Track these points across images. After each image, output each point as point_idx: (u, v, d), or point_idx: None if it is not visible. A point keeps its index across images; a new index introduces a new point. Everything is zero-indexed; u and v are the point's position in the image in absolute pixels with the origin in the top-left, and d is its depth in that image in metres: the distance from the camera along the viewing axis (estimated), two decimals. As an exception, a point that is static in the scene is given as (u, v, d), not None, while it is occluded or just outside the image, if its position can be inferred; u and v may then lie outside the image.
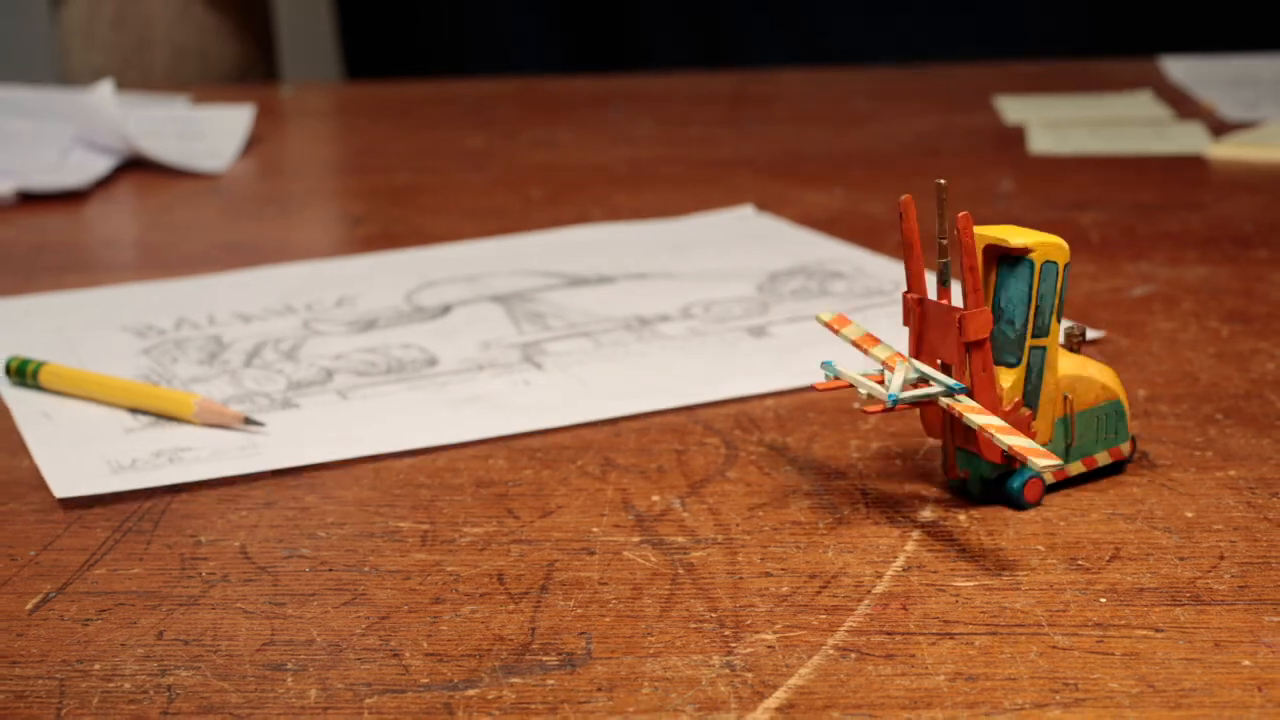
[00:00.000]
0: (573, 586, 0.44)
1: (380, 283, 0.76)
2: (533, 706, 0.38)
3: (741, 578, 0.45)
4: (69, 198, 0.97)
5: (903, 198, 0.47)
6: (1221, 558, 0.45)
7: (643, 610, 0.43)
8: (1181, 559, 0.45)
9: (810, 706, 0.38)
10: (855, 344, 0.50)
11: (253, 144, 1.11)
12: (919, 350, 0.49)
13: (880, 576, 0.45)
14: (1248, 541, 0.46)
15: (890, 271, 0.75)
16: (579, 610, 0.43)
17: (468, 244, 0.83)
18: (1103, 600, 0.43)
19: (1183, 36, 1.55)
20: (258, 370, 0.64)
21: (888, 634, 0.41)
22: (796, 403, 0.59)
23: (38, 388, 0.62)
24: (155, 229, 0.95)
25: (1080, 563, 0.45)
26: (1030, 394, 0.48)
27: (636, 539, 0.47)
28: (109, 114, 1.04)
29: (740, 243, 0.83)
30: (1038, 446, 0.44)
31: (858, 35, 1.83)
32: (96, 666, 0.41)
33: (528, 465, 0.53)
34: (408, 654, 0.41)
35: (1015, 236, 0.47)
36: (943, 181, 0.46)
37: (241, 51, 1.46)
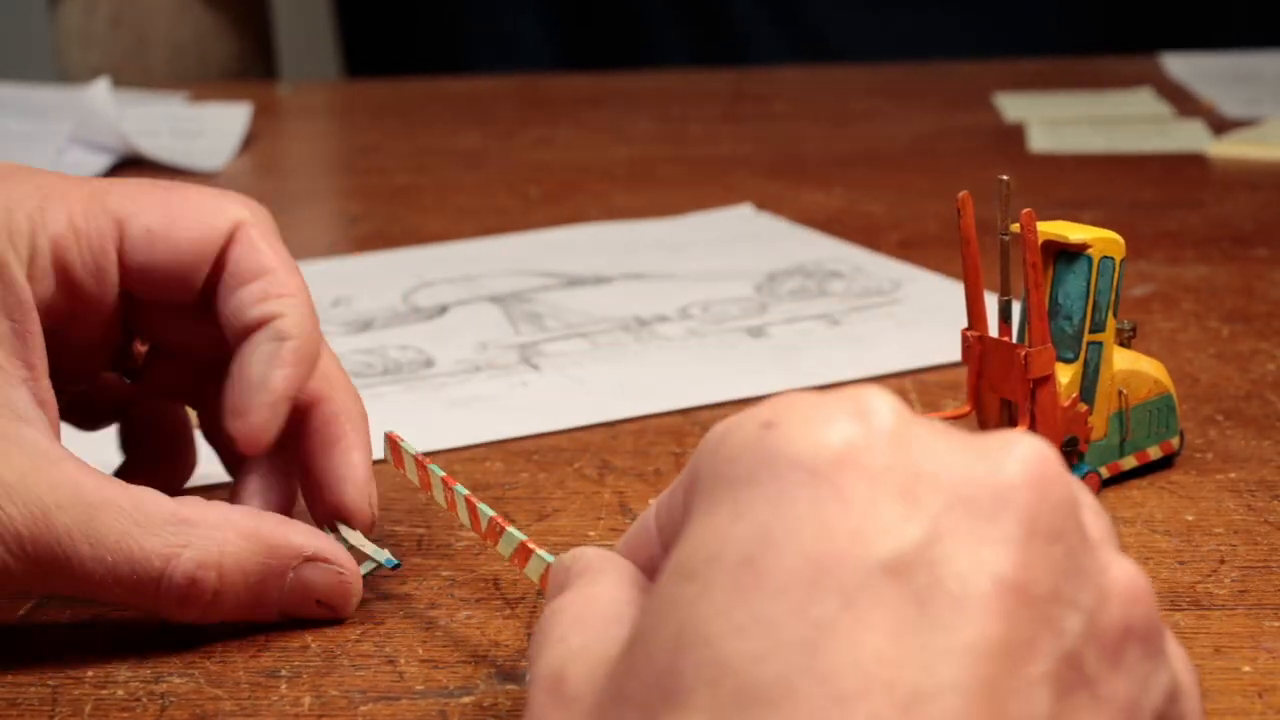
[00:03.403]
0: (569, 591, 0.44)
1: (377, 283, 0.76)
2: (528, 714, 0.38)
3: (739, 582, 0.44)
4: (65, 197, 0.96)
5: (960, 194, 0.48)
6: (1222, 562, 0.45)
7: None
8: (1181, 563, 0.45)
9: (808, 713, 0.38)
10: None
11: (250, 142, 1.11)
12: (978, 386, 0.49)
13: (878, 581, 0.44)
14: (1248, 545, 0.46)
15: (889, 271, 0.75)
16: (575, 615, 0.43)
17: (465, 243, 0.83)
18: (1102, 605, 0.42)
19: (1183, 33, 1.55)
20: (253, 372, 0.64)
21: (886, 639, 0.41)
22: (795, 404, 0.58)
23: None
24: (152, 228, 0.95)
25: (1080, 567, 0.45)
26: (1087, 390, 0.49)
27: (633, 543, 0.47)
28: (105, 112, 1.04)
29: (738, 242, 0.82)
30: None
31: (857, 33, 1.83)
32: (89, 673, 0.40)
33: (524, 468, 0.53)
34: (403, 660, 0.41)
35: (1073, 232, 0.48)
36: (1005, 178, 0.47)
37: (240, 49, 1.46)
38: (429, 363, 0.64)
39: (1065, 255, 0.48)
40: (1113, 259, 0.48)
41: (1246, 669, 0.39)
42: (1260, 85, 1.21)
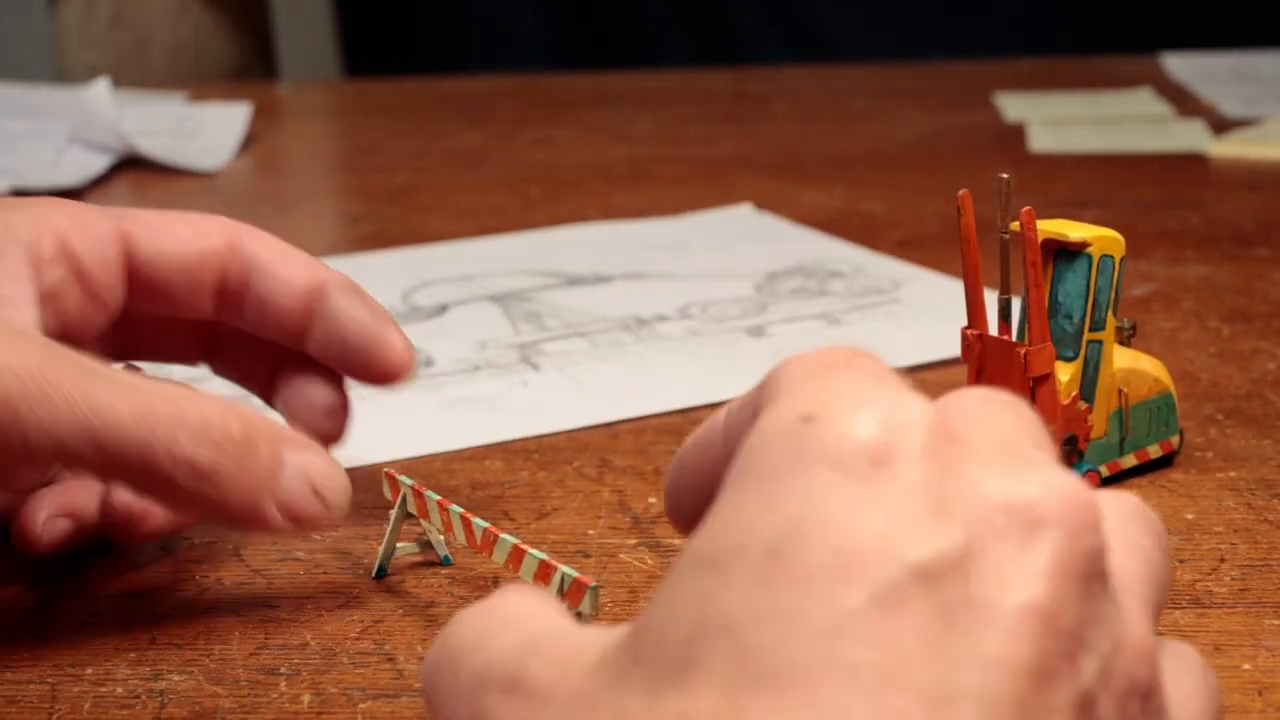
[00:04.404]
0: (569, 590, 0.44)
1: (377, 282, 0.75)
2: (528, 712, 0.38)
3: (738, 581, 0.44)
4: (65, 196, 0.96)
5: (960, 193, 0.48)
6: (1222, 560, 0.45)
7: (640, 613, 0.43)
8: (1181, 561, 0.45)
9: (807, 711, 0.38)
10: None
11: (249, 142, 1.11)
12: (978, 385, 0.49)
13: (878, 579, 0.44)
14: (1248, 544, 0.46)
15: (889, 270, 0.75)
16: (575, 614, 0.43)
17: (464, 243, 0.83)
18: (1102, 603, 0.42)
19: (1183, 33, 1.55)
20: (253, 371, 0.64)
21: (886, 638, 0.41)
22: (794, 403, 0.58)
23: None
24: (152, 228, 0.95)
25: (1079, 565, 0.45)
26: (1087, 388, 0.49)
27: (633, 541, 0.47)
28: (105, 112, 1.04)
29: (738, 242, 0.82)
30: None
31: (857, 33, 1.83)
32: (89, 671, 0.40)
33: (524, 467, 0.53)
34: (402, 658, 0.41)
35: (1073, 231, 0.48)
36: (1005, 176, 0.47)
37: (240, 49, 1.46)
38: (429, 362, 0.64)
39: (1065, 254, 0.49)
40: (1113, 257, 0.48)
41: (1246, 667, 0.39)
42: (1260, 85, 1.21)
